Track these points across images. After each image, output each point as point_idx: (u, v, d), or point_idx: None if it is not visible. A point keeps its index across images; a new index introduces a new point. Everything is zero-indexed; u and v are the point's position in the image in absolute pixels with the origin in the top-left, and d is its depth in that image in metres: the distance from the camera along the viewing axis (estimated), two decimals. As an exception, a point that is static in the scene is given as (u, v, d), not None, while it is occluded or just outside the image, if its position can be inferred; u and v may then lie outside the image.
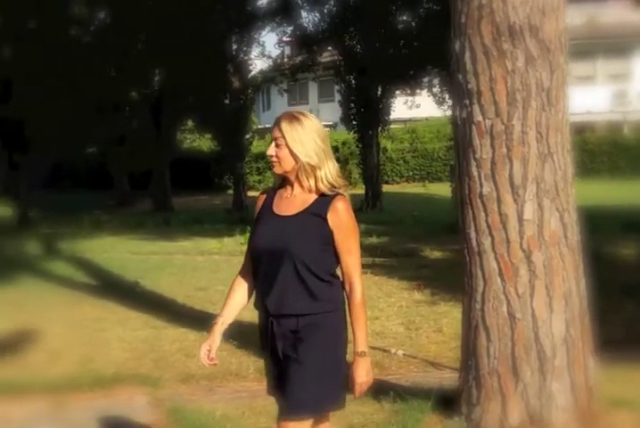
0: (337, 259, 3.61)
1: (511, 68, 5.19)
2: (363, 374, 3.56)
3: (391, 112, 27.39)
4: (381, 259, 13.86)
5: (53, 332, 8.57)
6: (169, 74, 26.77)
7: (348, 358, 3.64)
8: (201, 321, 8.73)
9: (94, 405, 6.28)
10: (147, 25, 25.18)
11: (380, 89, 26.29)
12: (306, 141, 3.52)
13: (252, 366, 7.08)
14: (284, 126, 3.54)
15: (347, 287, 3.60)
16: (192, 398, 6.36)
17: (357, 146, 27.94)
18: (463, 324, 5.58)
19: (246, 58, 27.58)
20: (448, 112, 23.50)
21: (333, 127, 43.13)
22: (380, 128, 27.01)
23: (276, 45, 32.48)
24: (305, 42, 26.62)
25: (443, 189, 25.53)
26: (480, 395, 5.34)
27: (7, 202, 26.34)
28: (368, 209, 24.97)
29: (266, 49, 31.32)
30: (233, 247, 16.12)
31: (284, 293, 3.54)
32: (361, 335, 3.57)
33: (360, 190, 29.93)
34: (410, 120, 38.13)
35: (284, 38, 28.65)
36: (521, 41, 5.17)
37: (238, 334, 8.00)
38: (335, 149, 37.00)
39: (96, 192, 38.15)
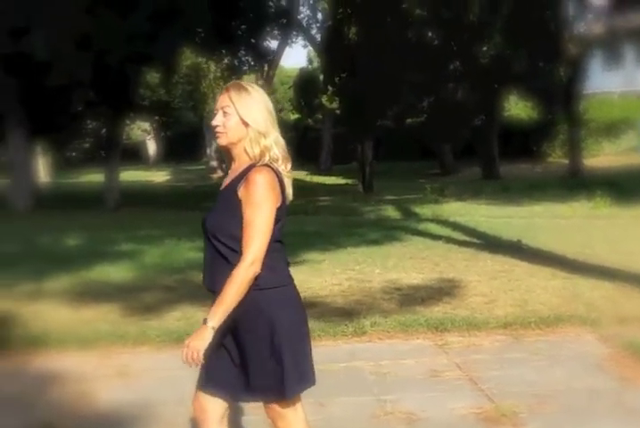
0: None
1: None
2: (190, 338, 3.42)
3: None
4: None
5: (473, 280, 9.53)
6: (501, 42, 27.19)
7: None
8: (604, 273, 9.44)
9: (547, 339, 7.13)
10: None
11: None
12: (254, 109, 3.54)
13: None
14: (233, 94, 3.56)
15: None
16: (637, 335, 6.97)
17: None
18: None
19: (582, 23, 27.39)
20: None
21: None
22: None
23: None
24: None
25: None
26: None
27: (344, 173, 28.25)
28: None
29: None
30: (585, 211, 16.63)
31: (211, 269, 3.58)
32: (215, 308, 3.41)
33: None
34: None
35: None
36: None
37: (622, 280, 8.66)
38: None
39: (412, 162, 39.76)
